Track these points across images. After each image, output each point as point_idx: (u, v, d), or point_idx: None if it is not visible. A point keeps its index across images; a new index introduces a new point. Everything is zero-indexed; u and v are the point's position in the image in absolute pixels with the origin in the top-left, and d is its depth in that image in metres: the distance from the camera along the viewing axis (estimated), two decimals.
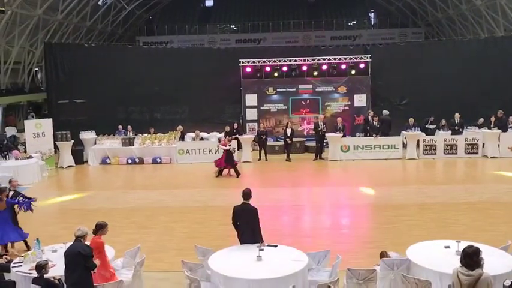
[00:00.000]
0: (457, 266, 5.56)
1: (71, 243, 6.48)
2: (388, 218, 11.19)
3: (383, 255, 7.12)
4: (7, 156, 16.57)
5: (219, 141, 18.37)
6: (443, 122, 19.24)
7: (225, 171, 16.24)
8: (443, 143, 18.32)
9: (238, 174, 16.00)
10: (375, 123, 18.58)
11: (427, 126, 19.20)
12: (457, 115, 18.79)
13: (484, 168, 16.88)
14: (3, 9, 22.55)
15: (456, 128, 18.72)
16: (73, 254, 6.18)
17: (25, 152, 17.42)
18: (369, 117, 19.03)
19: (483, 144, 18.26)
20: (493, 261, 6.33)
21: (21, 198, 9.59)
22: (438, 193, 13.11)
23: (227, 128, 19.38)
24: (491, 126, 18.56)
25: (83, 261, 6.12)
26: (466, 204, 12.05)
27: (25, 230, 9.55)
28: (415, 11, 39.36)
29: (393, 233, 9.92)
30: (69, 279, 6.18)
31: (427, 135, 18.69)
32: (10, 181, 10.05)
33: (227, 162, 15.97)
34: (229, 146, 16.49)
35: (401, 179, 15.72)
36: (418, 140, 18.35)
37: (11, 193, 9.53)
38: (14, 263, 7.09)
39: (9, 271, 7.01)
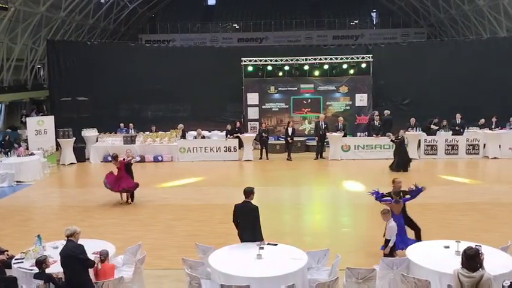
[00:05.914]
0: (457, 268, 5.57)
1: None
2: None
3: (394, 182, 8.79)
4: (9, 153, 16.63)
5: (113, 158, 13.06)
6: (445, 122, 19.22)
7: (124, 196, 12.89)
8: (444, 144, 18.31)
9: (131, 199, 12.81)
10: (377, 123, 18.59)
11: (431, 126, 19.12)
12: (458, 115, 18.78)
13: (485, 168, 16.88)
14: (7, 6, 22.63)
15: (457, 128, 18.71)
16: (66, 255, 6.21)
17: (27, 149, 17.48)
18: (374, 116, 19.00)
19: (484, 144, 18.25)
20: (493, 262, 6.34)
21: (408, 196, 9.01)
22: (439, 193, 13.09)
23: (229, 127, 19.40)
24: (492, 126, 18.59)
25: (76, 261, 6.15)
26: (467, 204, 12.06)
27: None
28: (417, 11, 39.30)
29: None
30: (67, 278, 6.24)
31: (428, 135, 18.69)
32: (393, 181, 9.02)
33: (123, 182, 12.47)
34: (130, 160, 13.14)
35: (402, 179, 15.63)
36: (419, 140, 18.37)
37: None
38: (16, 259, 7.13)
39: (10, 267, 7.06)
